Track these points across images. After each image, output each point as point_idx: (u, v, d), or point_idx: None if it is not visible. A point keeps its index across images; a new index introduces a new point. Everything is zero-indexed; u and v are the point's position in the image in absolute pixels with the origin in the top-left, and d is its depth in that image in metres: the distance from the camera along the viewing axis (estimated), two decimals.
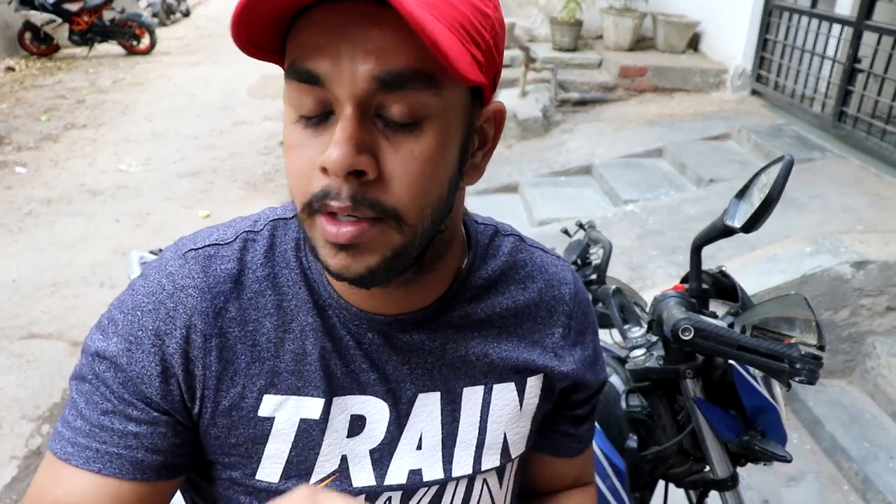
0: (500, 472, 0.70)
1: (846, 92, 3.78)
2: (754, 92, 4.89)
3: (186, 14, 12.76)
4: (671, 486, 1.21)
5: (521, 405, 0.69)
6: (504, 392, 0.68)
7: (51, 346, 2.92)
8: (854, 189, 3.29)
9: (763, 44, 4.69)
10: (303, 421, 0.62)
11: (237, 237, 0.64)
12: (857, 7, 3.75)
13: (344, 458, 0.63)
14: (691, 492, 1.26)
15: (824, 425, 2.27)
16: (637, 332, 1.15)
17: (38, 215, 4.25)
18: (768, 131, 4.14)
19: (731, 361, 1.04)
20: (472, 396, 0.67)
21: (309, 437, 0.62)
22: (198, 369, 0.60)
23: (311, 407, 0.62)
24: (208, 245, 0.63)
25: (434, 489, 0.66)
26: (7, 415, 2.51)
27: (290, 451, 0.62)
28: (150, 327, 0.59)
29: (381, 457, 0.64)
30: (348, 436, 0.63)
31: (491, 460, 0.68)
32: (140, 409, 0.59)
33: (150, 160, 5.26)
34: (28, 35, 8.70)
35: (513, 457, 0.70)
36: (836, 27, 3.97)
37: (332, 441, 0.63)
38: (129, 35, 9.06)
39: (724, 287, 1.13)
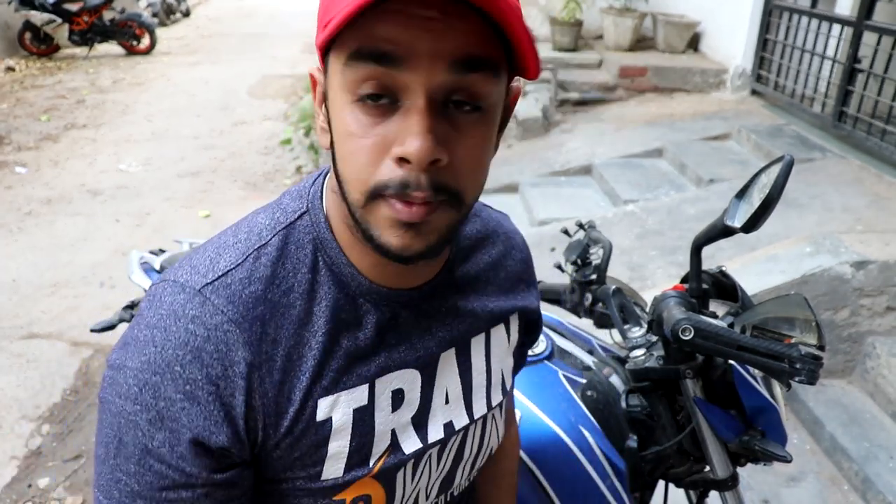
0: (500, 405, 0.79)
1: (846, 92, 3.78)
2: (754, 92, 4.89)
3: (186, 14, 12.76)
4: (671, 486, 1.21)
5: (508, 342, 0.79)
6: (498, 334, 0.77)
7: (51, 346, 2.92)
8: (854, 189, 3.29)
9: (763, 44, 4.69)
10: (355, 412, 0.64)
11: (246, 256, 0.61)
12: (857, 7, 3.75)
13: (393, 433, 0.67)
14: (691, 492, 1.26)
15: (824, 425, 2.27)
16: (637, 332, 1.15)
17: (38, 215, 4.25)
18: (768, 131, 4.14)
19: (731, 361, 1.04)
20: (478, 345, 0.74)
21: (363, 424, 0.64)
22: (256, 401, 0.59)
23: (360, 395, 0.64)
24: (222, 275, 0.59)
25: (461, 435, 0.74)
26: (7, 415, 2.51)
27: (351, 444, 0.64)
28: (200, 377, 0.56)
29: (421, 420, 0.69)
30: (392, 410, 0.67)
31: (496, 397, 0.77)
32: (207, 467, 0.57)
33: (150, 160, 5.26)
34: (28, 35, 8.70)
35: (508, 389, 0.80)
36: (836, 27, 3.97)
37: (381, 420, 0.66)
38: (129, 35, 9.06)
39: (724, 287, 1.13)
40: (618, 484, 1.08)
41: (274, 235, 0.62)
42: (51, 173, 4.96)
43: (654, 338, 1.11)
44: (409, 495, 0.71)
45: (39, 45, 8.82)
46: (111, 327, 1.60)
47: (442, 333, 0.69)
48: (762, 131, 4.14)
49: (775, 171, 0.91)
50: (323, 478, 0.64)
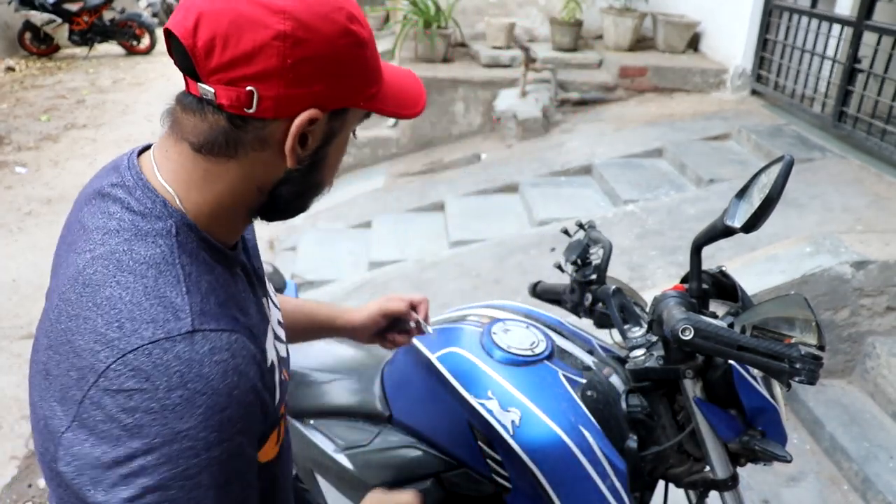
0: None
1: (846, 92, 3.78)
2: (754, 92, 4.89)
3: None
4: (671, 486, 1.21)
5: None
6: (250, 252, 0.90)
7: None
8: (854, 189, 3.29)
9: (763, 44, 4.69)
10: (270, 343, 0.78)
11: (183, 283, 0.64)
12: (857, 7, 3.75)
13: (274, 347, 0.79)
14: (691, 492, 1.26)
15: (824, 425, 2.27)
16: (637, 332, 1.15)
17: (39, 215, 4.25)
18: (768, 131, 4.14)
19: (730, 361, 1.04)
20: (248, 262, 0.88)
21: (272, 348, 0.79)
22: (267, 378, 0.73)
23: (266, 328, 0.78)
24: (189, 308, 0.63)
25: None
26: (7, 415, 2.51)
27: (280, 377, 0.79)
28: (250, 385, 0.65)
29: (274, 331, 0.82)
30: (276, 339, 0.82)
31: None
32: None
33: None
34: (28, 35, 8.70)
35: None
36: (836, 27, 3.97)
37: (269, 347, 0.77)
38: (129, 35, 9.07)
39: (724, 287, 1.13)
40: (618, 484, 1.08)
41: (177, 256, 0.65)
42: (51, 173, 4.96)
43: (654, 338, 1.11)
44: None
45: (39, 45, 8.83)
46: None
47: (247, 265, 0.80)
48: (762, 131, 4.14)
49: (775, 171, 0.91)
50: (277, 402, 0.76)
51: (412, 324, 1.18)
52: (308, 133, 0.66)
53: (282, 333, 0.88)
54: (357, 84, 0.68)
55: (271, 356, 0.75)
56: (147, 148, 0.73)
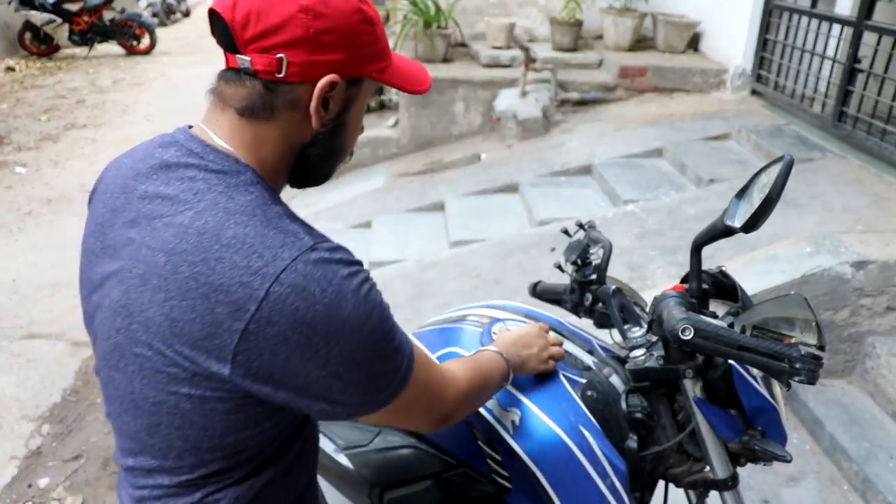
0: None
1: (846, 92, 3.78)
2: (754, 92, 4.89)
3: (186, 14, 12.76)
4: (671, 486, 1.21)
5: None
6: None
7: (51, 347, 2.92)
8: (854, 189, 3.29)
9: (763, 44, 4.69)
10: None
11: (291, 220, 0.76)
12: (857, 7, 3.75)
13: None
14: (691, 492, 1.26)
15: (824, 425, 2.27)
16: (637, 332, 1.15)
17: (39, 215, 4.25)
18: (768, 131, 4.14)
19: (730, 361, 1.04)
20: None
21: None
22: None
23: None
24: (314, 230, 0.77)
25: None
26: (7, 415, 2.51)
27: None
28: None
29: None
30: None
31: None
32: None
33: None
34: (28, 35, 8.70)
35: None
36: (836, 27, 3.97)
37: None
38: (129, 35, 9.07)
39: (724, 287, 1.13)
40: (618, 484, 1.08)
41: (269, 201, 0.77)
42: (51, 173, 4.97)
43: (654, 338, 1.11)
44: None
45: (39, 45, 8.83)
46: None
47: None
48: (762, 131, 4.14)
49: (775, 170, 0.91)
50: None
51: None
52: (329, 98, 0.79)
53: None
54: (369, 56, 0.80)
55: None
56: (190, 127, 0.84)
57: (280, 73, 0.74)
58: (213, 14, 0.76)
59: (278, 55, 0.73)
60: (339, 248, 0.75)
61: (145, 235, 0.74)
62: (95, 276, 0.80)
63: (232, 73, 0.78)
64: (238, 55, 0.75)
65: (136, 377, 0.75)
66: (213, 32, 0.78)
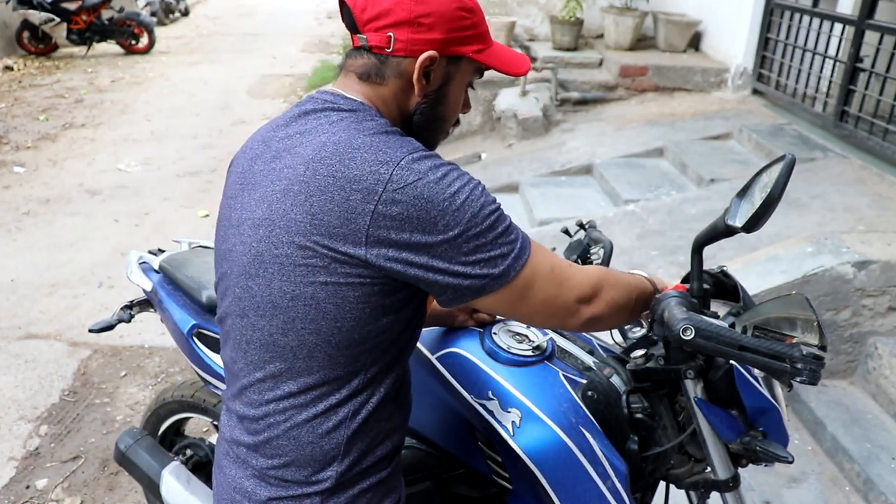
0: None
1: (848, 91, 3.77)
2: (755, 91, 4.88)
3: (185, 13, 12.76)
4: (672, 487, 1.20)
5: None
6: None
7: (49, 347, 2.91)
8: (855, 189, 3.28)
9: (764, 43, 4.68)
10: None
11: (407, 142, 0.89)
12: (859, 6, 3.75)
13: None
14: (692, 493, 1.25)
15: (826, 426, 2.27)
16: (638, 333, 1.14)
17: (37, 215, 4.24)
18: (769, 131, 4.13)
19: (732, 362, 1.03)
20: None
21: None
22: None
23: None
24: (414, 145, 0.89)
25: None
26: (5, 415, 2.50)
27: None
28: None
29: None
30: None
31: None
32: None
33: (149, 160, 5.25)
34: (26, 34, 8.69)
35: None
36: (838, 26, 3.96)
37: None
38: (128, 34, 9.06)
39: (726, 287, 1.12)
40: (618, 485, 1.07)
41: (394, 129, 0.92)
42: (49, 173, 4.96)
43: (655, 338, 1.11)
44: None
45: (38, 44, 8.82)
46: (110, 328, 1.59)
47: None
48: (763, 131, 4.13)
49: (776, 170, 0.91)
50: None
51: None
52: (430, 71, 0.93)
53: None
54: (467, 38, 0.94)
55: None
56: None
57: (389, 48, 0.90)
58: (342, 3, 0.94)
59: (388, 33, 0.89)
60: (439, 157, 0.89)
61: (286, 160, 0.88)
62: (234, 216, 0.94)
63: (354, 50, 0.95)
64: (358, 34, 0.92)
65: (276, 277, 0.86)
66: (343, 18, 0.95)
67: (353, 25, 0.93)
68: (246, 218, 0.91)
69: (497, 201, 0.87)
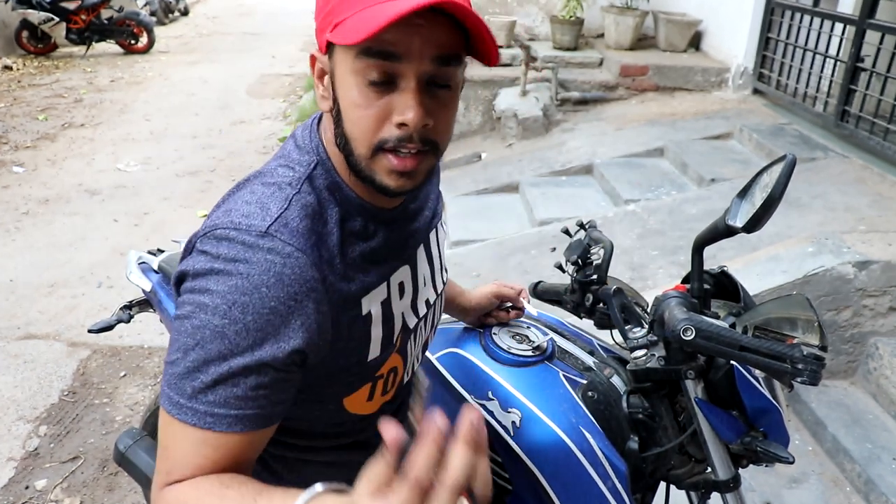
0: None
1: (849, 91, 3.76)
2: (756, 91, 4.88)
3: (185, 13, 12.75)
4: (672, 487, 1.20)
5: (445, 234, 1.07)
6: (440, 228, 1.03)
7: (48, 347, 2.91)
8: (856, 189, 3.28)
9: (765, 42, 4.68)
10: (382, 304, 0.86)
11: (289, 202, 0.76)
12: (860, 5, 3.74)
13: (402, 314, 0.91)
14: (692, 493, 1.25)
15: (826, 426, 2.26)
16: (638, 333, 1.14)
17: (36, 215, 4.24)
18: (770, 131, 4.13)
19: (732, 362, 1.03)
20: (433, 238, 1.00)
21: (387, 312, 0.87)
22: (325, 308, 0.77)
23: (382, 291, 0.86)
24: (278, 217, 0.74)
25: (434, 306, 1.01)
26: (4, 416, 2.50)
27: (383, 329, 0.86)
28: (283, 295, 0.73)
29: (413, 301, 0.94)
30: (400, 298, 0.90)
31: (445, 274, 1.06)
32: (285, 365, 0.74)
33: (149, 159, 5.25)
34: (25, 34, 8.68)
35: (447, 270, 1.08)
36: (839, 25, 3.96)
37: (396, 307, 0.89)
38: (127, 34, 9.05)
39: (726, 287, 1.12)
40: (619, 485, 1.07)
41: (302, 184, 0.78)
42: (48, 173, 4.95)
43: (656, 338, 1.10)
44: (411, 361, 0.98)
45: (37, 43, 8.81)
46: (109, 328, 1.59)
47: (417, 235, 0.93)
48: (764, 130, 4.12)
49: (777, 170, 0.90)
50: (369, 359, 0.85)
51: (508, 305, 1.31)
52: (324, 74, 0.78)
53: (422, 308, 0.97)
54: (328, 17, 0.73)
55: (373, 310, 0.84)
56: None
57: (324, 52, 0.78)
58: None
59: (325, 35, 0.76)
60: (295, 259, 0.74)
61: None
62: None
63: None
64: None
65: None
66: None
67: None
68: None
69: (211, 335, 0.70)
